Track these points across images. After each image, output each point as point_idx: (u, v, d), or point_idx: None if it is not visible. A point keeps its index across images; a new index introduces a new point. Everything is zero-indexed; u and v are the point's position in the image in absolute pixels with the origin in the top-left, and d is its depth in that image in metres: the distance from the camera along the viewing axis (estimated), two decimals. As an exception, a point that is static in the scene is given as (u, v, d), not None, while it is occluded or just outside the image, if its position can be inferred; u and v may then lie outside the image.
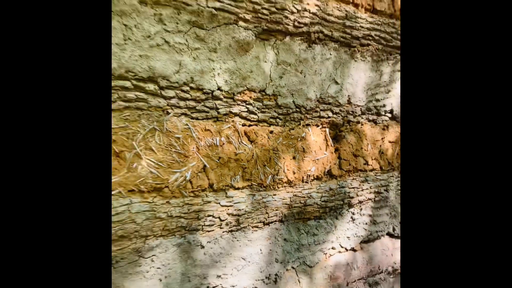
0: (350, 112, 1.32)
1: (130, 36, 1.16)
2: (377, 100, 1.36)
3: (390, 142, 1.44)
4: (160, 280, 1.27)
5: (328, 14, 1.27)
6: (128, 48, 1.16)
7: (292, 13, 1.26)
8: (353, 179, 1.46)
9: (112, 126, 1.19)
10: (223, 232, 1.38)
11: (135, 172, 1.19)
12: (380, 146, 1.45)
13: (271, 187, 1.34)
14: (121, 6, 1.13)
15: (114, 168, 1.19)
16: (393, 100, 1.45)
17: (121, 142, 1.19)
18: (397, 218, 1.80)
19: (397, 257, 1.88)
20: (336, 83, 1.30)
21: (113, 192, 1.16)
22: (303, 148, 1.29)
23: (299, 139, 1.32)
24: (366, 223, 1.60)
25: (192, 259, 1.31)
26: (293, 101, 1.30)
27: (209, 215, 1.30)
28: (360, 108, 1.35)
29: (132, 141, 1.19)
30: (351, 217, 1.56)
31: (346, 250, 1.59)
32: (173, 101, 1.25)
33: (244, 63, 1.28)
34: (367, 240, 1.67)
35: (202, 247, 1.33)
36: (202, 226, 1.31)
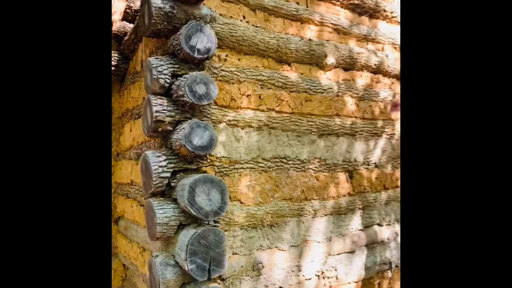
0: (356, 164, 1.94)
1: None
2: (367, 158, 2.01)
3: (375, 178, 2.04)
4: None
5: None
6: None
7: None
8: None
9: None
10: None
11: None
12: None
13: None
14: None
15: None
16: (375, 158, 2.06)
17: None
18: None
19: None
20: (348, 152, 1.91)
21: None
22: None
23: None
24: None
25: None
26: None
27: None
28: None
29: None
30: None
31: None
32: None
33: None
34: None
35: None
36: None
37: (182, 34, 1.32)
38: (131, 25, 2.10)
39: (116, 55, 2.06)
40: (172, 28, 1.40)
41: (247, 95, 1.58)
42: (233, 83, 1.55)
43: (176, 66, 1.38)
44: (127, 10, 2.11)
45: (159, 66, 1.35)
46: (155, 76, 1.34)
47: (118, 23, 2.08)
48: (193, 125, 1.30)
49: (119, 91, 2.22)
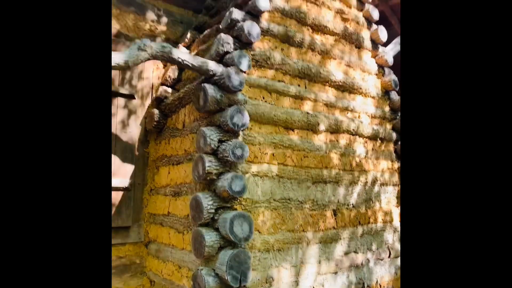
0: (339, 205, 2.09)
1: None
2: (347, 200, 2.25)
3: (353, 216, 2.73)
4: None
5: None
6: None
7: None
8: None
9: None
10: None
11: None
12: (349, 216, 2.15)
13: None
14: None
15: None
16: (353, 200, 2.74)
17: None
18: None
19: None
20: (333, 195, 2.14)
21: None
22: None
23: (324, 216, 1.99)
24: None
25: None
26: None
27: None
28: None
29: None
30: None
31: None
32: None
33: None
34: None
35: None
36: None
37: (228, 115, 1.95)
38: (169, 89, 2.71)
39: (157, 113, 2.65)
40: (219, 108, 2.03)
41: (265, 153, 2.21)
42: (255, 145, 2.18)
43: (221, 134, 2.00)
44: (167, 78, 2.74)
45: (211, 135, 1.96)
46: (208, 142, 1.94)
47: (160, 89, 2.69)
48: (233, 176, 1.90)
49: (156, 139, 2.78)
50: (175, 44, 3.02)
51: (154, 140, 2.79)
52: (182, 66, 2.06)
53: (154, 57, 1.86)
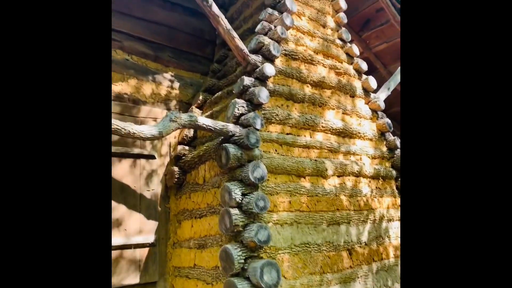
0: (352, 244, 2.27)
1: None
2: (359, 238, 2.49)
3: (366, 253, 2.71)
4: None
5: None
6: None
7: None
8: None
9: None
10: None
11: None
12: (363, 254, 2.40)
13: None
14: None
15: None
16: (364, 238, 2.82)
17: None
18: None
19: None
20: (347, 235, 2.37)
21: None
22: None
23: (340, 257, 2.20)
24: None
25: None
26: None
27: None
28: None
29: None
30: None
31: None
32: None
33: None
34: None
35: None
36: None
37: (249, 170, 2.18)
38: (187, 147, 2.96)
39: (177, 170, 2.86)
40: (240, 164, 2.27)
41: (283, 202, 2.42)
42: (273, 195, 2.39)
43: (244, 188, 2.21)
44: (184, 137, 3.00)
45: (235, 190, 2.17)
46: (233, 196, 2.14)
47: (178, 147, 2.94)
48: (259, 227, 2.08)
49: (176, 194, 2.97)
50: (188, 105, 3.33)
51: (174, 195, 2.97)
52: (206, 130, 2.32)
53: (183, 126, 2.13)
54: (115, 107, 2.84)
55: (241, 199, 2.17)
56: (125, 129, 1.91)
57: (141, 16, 3.21)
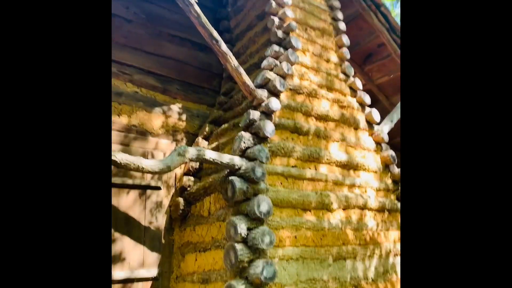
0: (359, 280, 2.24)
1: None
2: (366, 274, 2.45)
3: None
4: None
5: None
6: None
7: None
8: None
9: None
10: None
11: None
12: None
13: None
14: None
15: None
16: (371, 274, 2.96)
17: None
18: None
19: None
20: (353, 271, 2.30)
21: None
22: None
23: None
24: None
25: None
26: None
27: None
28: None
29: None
30: None
31: None
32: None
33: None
34: None
35: None
36: None
37: (254, 204, 2.19)
38: (192, 178, 2.98)
39: (182, 202, 2.87)
40: (245, 198, 2.28)
41: (288, 237, 2.40)
42: (278, 229, 2.37)
43: (249, 222, 2.21)
44: (190, 168, 3.02)
45: (240, 224, 2.16)
46: (238, 231, 2.14)
47: (184, 178, 2.96)
48: (264, 264, 2.06)
49: (180, 226, 2.96)
50: (195, 136, 3.38)
51: (178, 227, 2.96)
52: (212, 164, 2.35)
53: (190, 159, 2.16)
54: (123, 139, 2.90)
55: (246, 234, 2.16)
56: (134, 164, 1.94)
57: (151, 51, 3.34)
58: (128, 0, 3.35)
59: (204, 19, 2.43)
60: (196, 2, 2.39)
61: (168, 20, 3.53)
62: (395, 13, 10.60)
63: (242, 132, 2.54)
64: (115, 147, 2.79)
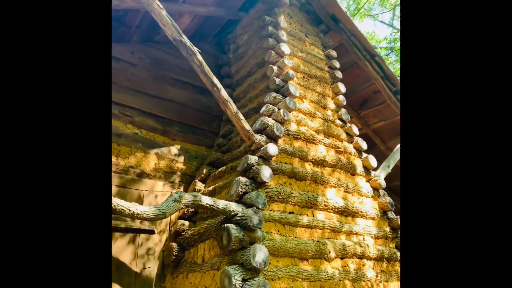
0: None
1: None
2: None
3: None
4: None
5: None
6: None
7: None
8: None
9: None
10: None
11: None
12: None
13: None
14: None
15: None
16: None
17: None
18: None
19: None
20: None
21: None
22: None
23: None
24: None
25: None
26: None
27: None
28: None
29: None
30: None
31: None
32: None
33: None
34: None
35: None
36: None
37: (250, 254, 2.13)
38: (187, 222, 2.92)
39: (176, 247, 2.79)
40: (241, 246, 2.22)
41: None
42: (275, 280, 2.29)
43: (244, 273, 2.13)
44: (185, 212, 2.98)
45: (235, 275, 2.09)
46: (233, 282, 2.06)
47: (179, 222, 2.90)
48: (259, 318, 1.96)
49: (172, 273, 2.85)
50: (192, 177, 3.37)
51: (171, 274, 2.85)
52: (208, 210, 2.32)
53: (187, 205, 2.14)
54: (119, 180, 2.89)
55: (241, 285, 2.08)
56: (129, 210, 1.91)
57: (154, 93, 3.44)
58: (134, 45, 3.50)
59: (206, 67, 2.53)
60: (199, 52, 2.50)
61: (171, 64, 3.67)
62: (390, 61, 11.11)
63: (240, 177, 2.54)
64: (111, 188, 2.76)
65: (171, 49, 3.61)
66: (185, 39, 2.39)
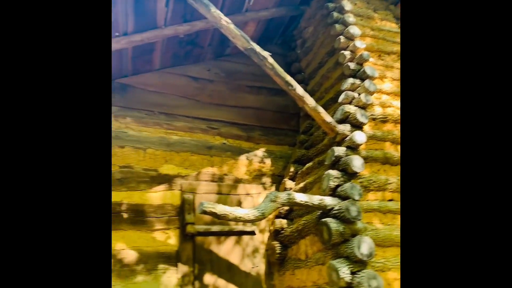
0: None
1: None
2: None
3: None
4: None
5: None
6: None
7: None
8: None
9: None
10: None
11: None
12: None
13: None
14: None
15: None
16: None
17: None
18: None
19: None
20: None
21: None
22: None
23: None
24: None
25: None
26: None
27: None
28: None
29: None
30: None
31: None
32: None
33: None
34: None
35: None
36: None
37: (354, 246, 2.08)
38: (285, 220, 3.00)
39: (278, 245, 2.89)
40: (343, 240, 2.19)
41: (396, 279, 2.19)
42: (385, 271, 2.19)
43: (351, 266, 2.10)
44: (281, 211, 3.07)
45: (342, 268, 2.07)
46: (341, 276, 2.04)
47: (276, 221, 3.00)
48: (375, 311, 1.90)
49: (279, 270, 2.96)
50: (280, 177, 3.46)
51: (277, 271, 2.96)
52: (303, 207, 2.35)
53: (282, 204, 2.21)
54: (218, 188, 3.13)
55: (350, 278, 2.05)
56: (231, 214, 2.07)
57: (233, 104, 3.64)
58: (209, 62, 3.77)
59: (278, 68, 2.58)
60: (270, 55, 2.57)
61: (245, 73, 3.83)
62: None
63: (330, 171, 2.51)
64: (212, 197, 3.02)
65: (241, 58, 3.76)
66: (255, 46, 2.48)
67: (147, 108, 3.24)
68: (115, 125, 3.05)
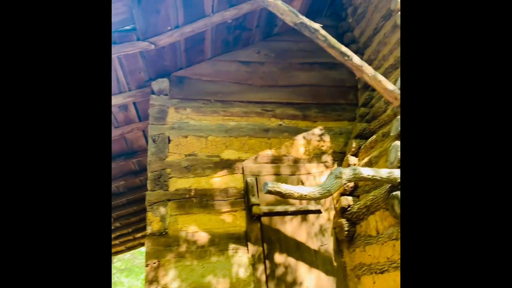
0: None
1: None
2: None
3: None
4: None
5: None
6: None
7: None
8: None
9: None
10: None
11: None
12: None
13: None
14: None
15: None
16: None
17: None
18: None
19: None
20: None
21: None
22: None
23: None
24: None
25: None
26: None
27: None
28: None
29: None
30: None
31: None
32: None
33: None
34: None
35: None
36: None
37: (432, 219, 1.94)
38: (350, 197, 2.91)
39: (346, 222, 2.82)
40: (418, 213, 2.05)
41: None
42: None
43: (429, 240, 1.96)
44: (345, 188, 2.98)
45: (420, 243, 1.95)
46: (419, 250, 1.93)
47: (342, 198, 2.93)
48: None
49: (348, 248, 2.91)
50: (342, 154, 3.35)
51: (347, 248, 2.91)
52: (370, 181, 2.25)
53: (348, 180, 2.14)
54: (277, 169, 3.14)
55: (429, 253, 1.92)
56: (297, 192, 2.06)
57: (286, 83, 3.59)
58: (258, 44, 3.74)
59: (331, 39, 2.45)
60: (321, 26, 2.45)
61: (295, 51, 3.74)
62: None
63: (396, 142, 2.35)
64: (272, 178, 3.05)
65: (290, 36, 3.68)
66: (305, 19, 2.38)
67: (204, 97, 3.35)
68: (177, 116, 3.22)
